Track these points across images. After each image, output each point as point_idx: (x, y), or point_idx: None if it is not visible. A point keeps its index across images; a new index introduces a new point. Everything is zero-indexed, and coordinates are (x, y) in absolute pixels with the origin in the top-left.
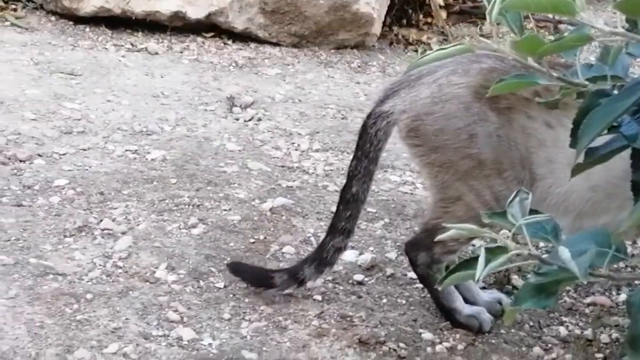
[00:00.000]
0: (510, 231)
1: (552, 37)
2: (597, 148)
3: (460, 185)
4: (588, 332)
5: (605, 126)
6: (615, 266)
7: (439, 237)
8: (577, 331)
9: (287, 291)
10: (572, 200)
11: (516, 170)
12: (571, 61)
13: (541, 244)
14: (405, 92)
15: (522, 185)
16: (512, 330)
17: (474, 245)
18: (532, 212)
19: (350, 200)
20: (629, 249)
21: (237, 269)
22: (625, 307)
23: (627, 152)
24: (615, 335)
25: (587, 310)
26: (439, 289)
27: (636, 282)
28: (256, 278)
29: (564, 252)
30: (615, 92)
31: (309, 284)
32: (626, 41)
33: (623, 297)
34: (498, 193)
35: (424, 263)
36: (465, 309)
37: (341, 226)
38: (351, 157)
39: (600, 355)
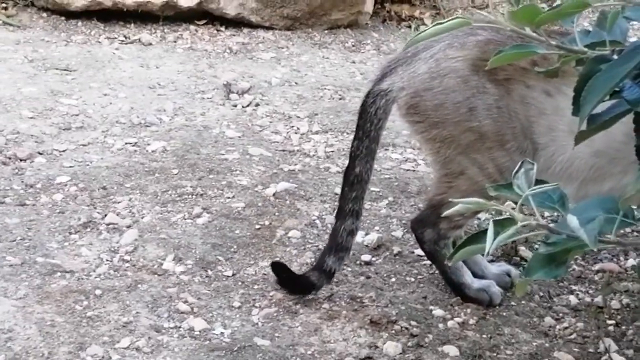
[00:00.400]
0: (516, 203)
1: (544, 6)
2: (600, 114)
3: (462, 159)
4: (598, 299)
5: (607, 92)
6: (622, 232)
7: (446, 212)
8: (588, 299)
9: (323, 294)
10: (575, 167)
11: (518, 140)
12: (568, 28)
13: (546, 214)
14: (402, 69)
15: (525, 155)
16: (523, 302)
17: (479, 219)
18: (538, 182)
19: (355, 182)
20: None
21: (278, 270)
22: (637, 273)
23: (628, 116)
24: (625, 300)
25: (596, 278)
26: (449, 264)
27: None
28: (299, 286)
29: (573, 221)
30: (615, 57)
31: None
32: (623, 5)
33: (631, 262)
34: (501, 165)
35: (430, 239)
36: (475, 283)
37: (349, 208)
38: (351, 137)
39: (612, 321)
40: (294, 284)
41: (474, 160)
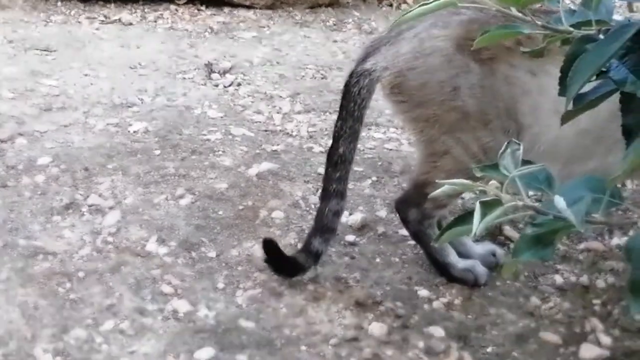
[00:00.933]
0: (502, 183)
1: None
2: (586, 94)
3: (447, 139)
4: (584, 279)
5: (594, 72)
6: (607, 211)
7: (432, 194)
8: (573, 278)
9: (309, 275)
10: (560, 146)
11: (502, 120)
12: (553, 8)
13: (530, 193)
14: (386, 48)
15: (509, 135)
16: (508, 282)
17: (463, 199)
18: (524, 162)
19: (339, 162)
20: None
21: (269, 249)
22: (624, 253)
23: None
24: (611, 280)
25: (581, 257)
26: (436, 245)
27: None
28: (287, 267)
29: (560, 201)
30: (601, 36)
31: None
32: None
33: (616, 241)
34: (485, 144)
35: (415, 219)
36: (460, 263)
37: (333, 189)
38: (334, 117)
39: (597, 301)
40: (282, 265)
41: (458, 140)
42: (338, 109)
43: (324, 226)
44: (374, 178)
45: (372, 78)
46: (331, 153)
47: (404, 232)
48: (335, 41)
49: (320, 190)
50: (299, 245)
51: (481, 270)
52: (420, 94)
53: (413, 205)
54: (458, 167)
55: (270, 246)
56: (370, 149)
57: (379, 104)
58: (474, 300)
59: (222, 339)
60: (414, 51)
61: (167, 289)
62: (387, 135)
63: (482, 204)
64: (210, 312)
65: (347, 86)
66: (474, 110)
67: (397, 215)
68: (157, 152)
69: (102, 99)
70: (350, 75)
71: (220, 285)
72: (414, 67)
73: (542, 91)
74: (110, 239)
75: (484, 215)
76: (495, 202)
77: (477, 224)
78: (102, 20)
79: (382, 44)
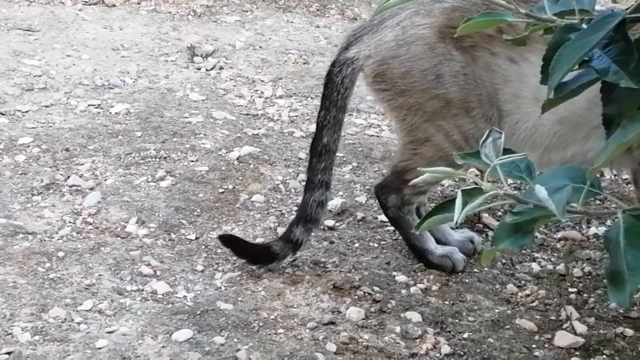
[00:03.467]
0: (483, 172)
1: None
2: (567, 83)
3: (428, 127)
4: (560, 267)
5: (577, 61)
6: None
7: (413, 181)
8: (550, 266)
9: (287, 260)
10: (539, 134)
11: (484, 108)
12: None
13: (509, 181)
14: (368, 37)
15: (490, 123)
16: (485, 269)
17: (442, 186)
18: (505, 151)
19: (323, 152)
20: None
21: (230, 243)
22: (603, 243)
23: None
24: (587, 268)
25: (558, 245)
26: (417, 233)
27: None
28: (257, 255)
29: (541, 191)
30: (584, 26)
31: (280, 231)
32: None
33: (593, 230)
34: (466, 132)
35: (394, 205)
36: (438, 250)
37: (318, 179)
38: (316, 102)
39: (573, 289)
40: (253, 254)
41: (440, 128)
42: (320, 95)
43: (308, 216)
44: (355, 164)
45: (354, 67)
46: (315, 143)
47: (383, 217)
48: (318, 26)
49: (302, 177)
50: (279, 229)
51: (459, 257)
52: (404, 82)
53: (393, 191)
54: (439, 155)
55: (230, 242)
56: (352, 134)
57: (361, 90)
58: (451, 286)
59: (200, 321)
60: (397, 39)
61: (146, 270)
62: (368, 121)
63: (464, 192)
64: (188, 293)
65: (330, 75)
66: (456, 98)
67: (377, 200)
68: (139, 134)
69: (84, 80)
70: (333, 65)
71: (199, 267)
72: (397, 55)
73: (522, 79)
74: (90, 219)
75: (465, 203)
76: (477, 191)
77: (459, 212)
78: (86, 2)
79: (365, 32)
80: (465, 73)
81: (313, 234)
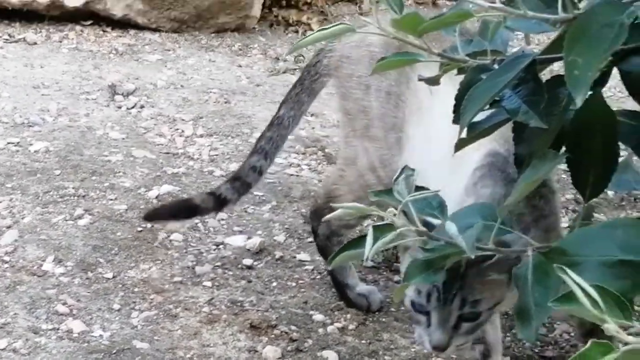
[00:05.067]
0: (396, 208)
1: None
2: (479, 122)
3: (358, 144)
4: None
5: (488, 101)
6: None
7: (326, 217)
8: None
9: (211, 214)
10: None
11: (396, 133)
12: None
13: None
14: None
15: (401, 150)
16: (402, 308)
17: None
18: (418, 188)
19: (274, 123)
20: None
21: (156, 216)
22: (513, 280)
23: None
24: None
25: None
26: (329, 268)
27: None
28: (180, 211)
29: (451, 227)
30: (496, 66)
31: (198, 270)
32: (505, 15)
33: None
34: (383, 157)
35: (323, 234)
36: (358, 287)
37: (259, 146)
38: (236, 141)
39: None
40: (173, 211)
41: (365, 149)
42: (241, 134)
43: (239, 177)
44: (274, 203)
45: (331, 56)
46: (273, 117)
47: (301, 256)
48: (240, 66)
49: (222, 216)
50: (196, 269)
51: (376, 298)
52: (346, 85)
53: (322, 219)
54: (359, 182)
55: (154, 216)
56: (271, 173)
57: None
58: (368, 325)
59: None
60: (359, 40)
61: (62, 308)
62: (288, 160)
63: (375, 228)
64: (104, 332)
65: (309, 62)
66: (376, 115)
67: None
68: (57, 172)
69: (3, 118)
70: (317, 54)
71: (116, 306)
72: (349, 55)
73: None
74: (6, 257)
75: (376, 239)
76: (388, 227)
77: (369, 248)
78: (7, 39)
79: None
80: (389, 92)
81: (230, 272)
